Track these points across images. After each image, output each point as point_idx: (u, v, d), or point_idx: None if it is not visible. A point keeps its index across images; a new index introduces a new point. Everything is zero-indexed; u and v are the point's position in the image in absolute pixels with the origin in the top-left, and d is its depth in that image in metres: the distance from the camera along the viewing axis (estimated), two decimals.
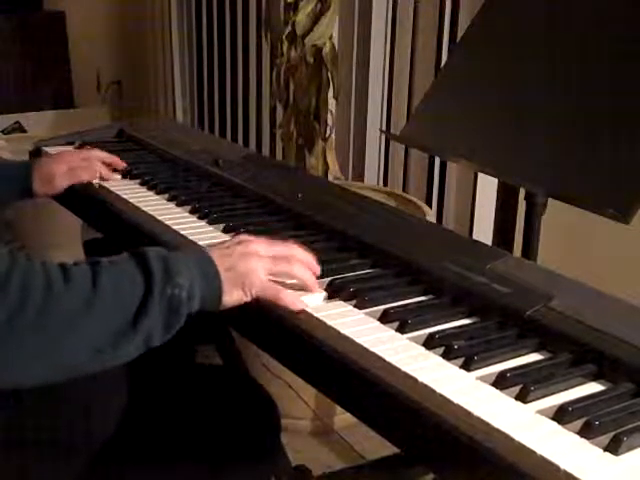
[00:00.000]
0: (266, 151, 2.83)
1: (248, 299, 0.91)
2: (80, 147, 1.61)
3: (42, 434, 1.03)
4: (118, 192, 1.33)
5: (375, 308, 0.90)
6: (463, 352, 0.80)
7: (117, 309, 0.81)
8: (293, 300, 0.90)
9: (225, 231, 1.14)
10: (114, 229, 1.34)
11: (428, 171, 2.22)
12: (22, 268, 0.78)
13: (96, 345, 0.81)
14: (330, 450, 2.02)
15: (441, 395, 0.73)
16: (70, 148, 1.61)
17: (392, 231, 1.10)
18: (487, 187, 2.04)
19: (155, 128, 1.75)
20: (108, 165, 1.43)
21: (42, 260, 0.81)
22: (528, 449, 0.65)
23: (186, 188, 1.34)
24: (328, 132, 2.07)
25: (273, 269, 0.92)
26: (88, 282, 0.80)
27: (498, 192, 2.03)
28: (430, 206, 2.16)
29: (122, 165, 1.45)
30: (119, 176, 1.43)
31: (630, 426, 0.68)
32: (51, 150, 1.59)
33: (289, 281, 0.93)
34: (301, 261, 0.94)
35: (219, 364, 1.52)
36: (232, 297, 0.90)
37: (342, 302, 0.92)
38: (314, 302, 0.91)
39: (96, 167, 1.41)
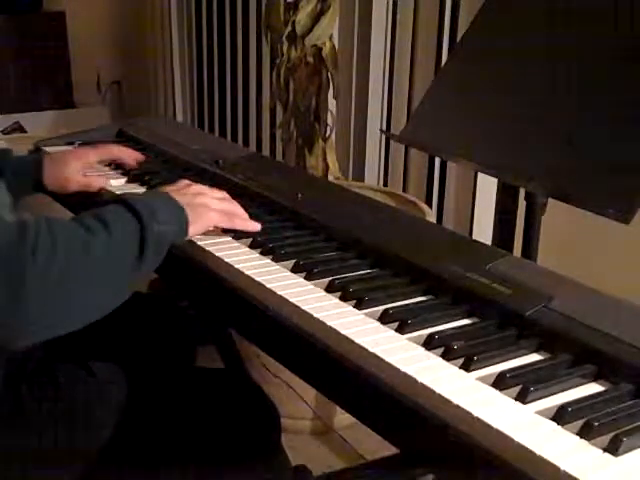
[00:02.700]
0: (266, 151, 2.83)
1: (207, 228, 1.07)
2: (83, 144, 1.61)
3: (42, 436, 1.03)
4: (118, 192, 1.33)
5: (375, 308, 0.90)
6: (463, 352, 0.80)
7: (127, 248, 0.93)
8: (243, 222, 1.11)
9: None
10: None
11: (428, 171, 2.22)
12: (59, 224, 0.89)
13: (117, 283, 0.94)
14: (330, 450, 2.02)
15: (441, 395, 0.73)
16: (70, 148, 1.61)
17: (392, 231, 1.10)
18: (487, 187, 2.04)
19: (155, 128, 1.75)
20: (120, 161, 1.45)
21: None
22: (527, 450, 0.65)
23: None
24: (328, 132, 2.07)
25: (221, 206, 1.09)
26: (102, 230, 0.91)
27: (498, 192, 2.03)
28: (430, 206, 2.16)
29: (133, 161, 1.45)
30: (124, 180, 1.42)
31: (630, 427, 0.68)
32: (52, 150, 1.59)
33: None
34: (235, 203, 1.13)
35: (219, 366, 1.52)
36: (195, 228, 1.05)
37: (342, 302, 0.92)
38: None
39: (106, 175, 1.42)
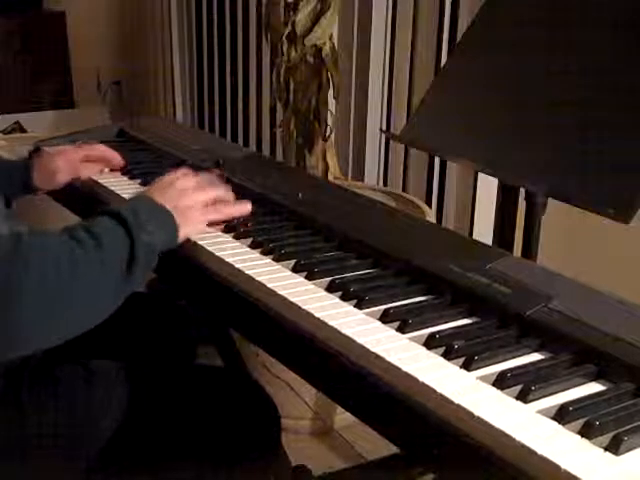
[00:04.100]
0: (266, 151, 2.83)
1: (196, 228, 1.07)
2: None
3: (42, 436, 1.03)
4: (118, 192, 1.34)
5: (375, 308, 0.90)
6: (463, 352, 0.80)
7: (117, 262, 0.94)
8: (230, 208, 1.12)
9: (224, 231, 1.14)
10: None
11: (428, 171, 2.22)
12: (49, 239, 0.91)
13: (106, 297, 0.94)
14: (330, 450, 2.02)
15: (441, 395, 0.73)
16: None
17: (392, 231, 1.10)
18: (487, 187, 2.04)
19: (155, 128, 1.75)
20: (108, 161, 1.44)
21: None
22: (528, 449, 0.65)
23: None
24: (328, 132, 2.07)
25: (204, 198, 1.09)
26: (93, 244, 0.92)
27: (498, 192, 2.03)
28: (430, 206, 2.16)
29: (121, 163, 1.45)
30: (118, 173, 1.43)
31: (630, 426, 0.68)
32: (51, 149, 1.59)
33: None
34: (213, 185, 1.14)
35: (219, 365, 1.52)
36: (185, 231, 1.05)
37: (342, 302, 0.92)
38: None
39: (98, 165, 1.42)
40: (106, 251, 0.92)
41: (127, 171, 1.44)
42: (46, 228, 1.00)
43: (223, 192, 1.15)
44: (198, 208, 1.08)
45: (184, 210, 1.05)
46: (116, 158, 1.45)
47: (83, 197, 1.41)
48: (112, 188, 1.36)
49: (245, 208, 1.14)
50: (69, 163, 1.39)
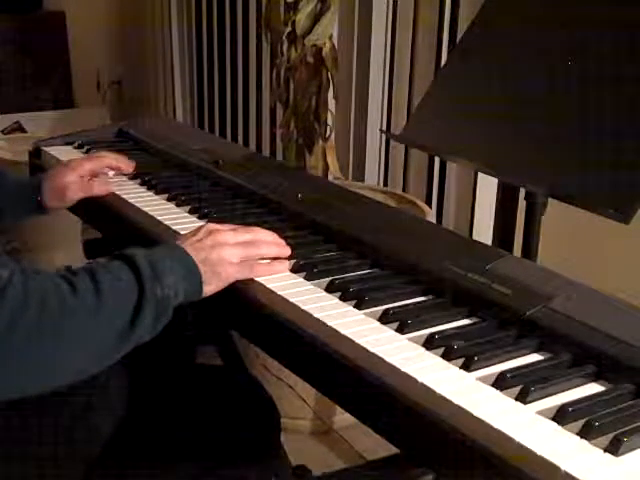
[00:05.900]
0: (266, 151, 2.83)
1: (225, 285, 0.97)
2: (79, 147, 1.61)
3: (43, 435, 1.03)
4: (118, 192, 1.34)
5: (375, 308, 0.90)
6: (463, 352, 0.80)
7: (117, 314, 0.86)
8: (267, 268, 0.99)
9: None
10: (114, 229, 1.34)
11: (428, 171, 2.22)
12: (37, 283, 0.82)
13: (100, 349, 0.87)
14: (330, 450, 2.02)
15: (441, 395, 0.73)
16: (70, 148, 1.61)
17: (392, 231, 1.10)
18: (487, 187, 2.04)
19: (155, 128, 1.75)
20: (116, 169, 1.41)
21: (43, 264, 0.84)
22: (528, 450, 0.65)
23: (186, 188, 1.34)
24: (328, 132, 2.07)
25: (243, 254, 0.99)
26: (92, 291, 0.85)
27: (498, 192, 2.03)
28: (430, 206, 2.16)
29: (130, 168, 1.42)
30: (125, 178, 1.42)
31: (630, 427, 0.68)
32: (52, 150, 1.59)
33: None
34: (267, 242, 1.02)
35: (219, 364, 1.52)
36: (211, 286, 0.95)
37: (342, 302, 0.92)
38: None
39: (106, 178, 1.38)
40: (104, 300, 0.85)
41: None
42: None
43: (272, 250, 1.03)
44: (230, 263, 0.97)
45: (214, 265, 0.95)
46: (127, 163, 1.42)
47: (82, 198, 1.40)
48: (112, 189, 1.36)
49: (283, 267, 1.01)
50: (78, 178, 1.35)
